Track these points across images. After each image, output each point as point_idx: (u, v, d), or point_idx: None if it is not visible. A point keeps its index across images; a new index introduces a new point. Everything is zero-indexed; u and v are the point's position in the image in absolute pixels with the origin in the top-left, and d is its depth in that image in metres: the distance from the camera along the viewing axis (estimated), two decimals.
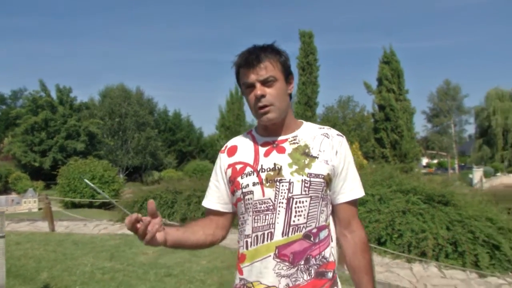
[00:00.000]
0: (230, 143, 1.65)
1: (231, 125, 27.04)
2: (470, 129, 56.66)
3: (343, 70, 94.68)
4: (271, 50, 1.48)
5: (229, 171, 1.56)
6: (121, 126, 40.95)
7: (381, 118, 21.25)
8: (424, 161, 57.05)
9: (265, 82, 1.46)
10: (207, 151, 45.75)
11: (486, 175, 32.97)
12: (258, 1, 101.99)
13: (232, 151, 1.61)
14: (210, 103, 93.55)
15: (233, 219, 1.64)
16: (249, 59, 1.46)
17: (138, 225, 1.29)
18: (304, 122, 1.62)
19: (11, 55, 72.88)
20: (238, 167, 1.54)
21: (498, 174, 37.77)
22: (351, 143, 22.38)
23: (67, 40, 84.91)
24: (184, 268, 5.86)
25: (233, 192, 1.56)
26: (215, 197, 1.63)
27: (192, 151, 45.92)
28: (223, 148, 1.66)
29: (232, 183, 1.55)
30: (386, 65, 21.32)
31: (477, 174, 29.35)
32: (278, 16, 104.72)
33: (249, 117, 30.10)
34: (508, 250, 6.44)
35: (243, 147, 1.59)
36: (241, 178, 1.51)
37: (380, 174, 9.23)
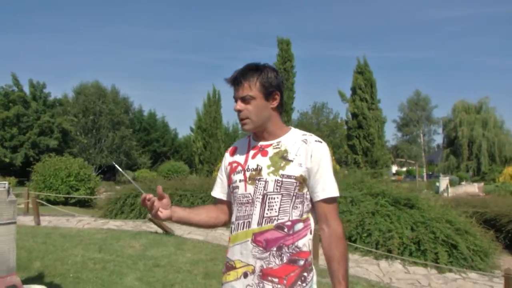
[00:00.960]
0: (233, 145, 2.03)
1: (207, 127, 27.21)
2: (439, 139, 58.66)
3: (318, 77, 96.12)
4: (252, 72, 1.81)
5: (229, 168, 1.94)
6: (95, 124, 40.34)
7: (354, 125, 22.12)
8: (394, 168, 58.41)
9: (244, 100, 1.80)
10: (182, 152, 45.71)
11: (452, 183, 34.30)
12: (237, 5, 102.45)
13: (233, 151, 1.98)
14: (185, 104, 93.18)
15: None
16: (231, 80, 1.84)
17: (148, 203, 1.75)
18: (292, 129, 1.91)
19: None
20: (234, 165, 1.91)
21: (463, 183, 39.25)
22: None
23: (41, 35, 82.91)
24: (170, 259, 6.26)
25: (228, 186, 1.95)
26: (220, 187, 2.02)
27: (166, 151, 45.76)
28: (228, 149, 2.05)
29: (228, 178, 1.94)
30: (360, 75, 22.18)
31: (443, 182, 30.48)
32: (257, 21, 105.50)
33: (225, 120, 30.49)
34: (464, 249, 7.13)
35: (240, 149, 1.95)
36: (233, 175, 1.89)
37: (352, 178, 9.90)
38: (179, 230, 8.73)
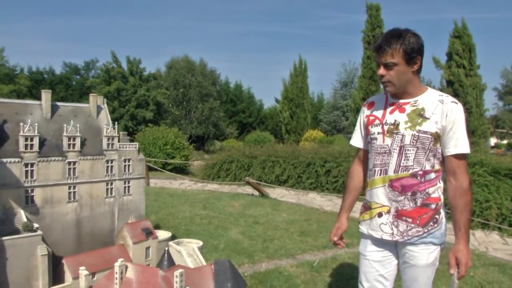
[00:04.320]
0: (370, 99, 2.30)
1: (294, 97, 27.37)
2: None
3: None
4: (396, 39, 1.97)
5: (366, 119, 2.24)
6: (186, 97, 42.37)
7: (450, 93, 20.32)
8: (493, 141, 53.79)
9: (386, 66, 2.01)
10: (267, 123, 46.53)
11: None
12: None
13: (371, 105, 2.26)
14: (269, 75, 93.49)
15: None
16: (376, 47, 2.03)
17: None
18: (429, 89, 2.12)
19: (83, 28, 77.06)
20: (371, 118, 2.19)
21: None
22: None
23: (134, 14, 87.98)
24: (268, 218, 6.78)
25: (366, 136, 2.25)
26: (358, 137, 2.35)
27: (252, 122, 46.86)
28: (365, 103, 2.32)
29: (366, 129, 2.23)
30: (457, 40, 20.57)
31: None
32: None
33: (311, 90, 30.28)
34: None
35: (377, 104, 2.22)
36: (371, 127, 2.17)
37: None
38: (273, 193, 9.26)
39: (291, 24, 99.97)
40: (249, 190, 9.54)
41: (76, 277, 3.25)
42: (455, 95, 20.49)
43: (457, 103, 2.03)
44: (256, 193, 8.98)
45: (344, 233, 2.42)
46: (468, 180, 2.04)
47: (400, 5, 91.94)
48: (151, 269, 2.60)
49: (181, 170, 17.83)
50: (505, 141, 55.32)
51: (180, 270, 2.46)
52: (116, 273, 2.51)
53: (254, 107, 48.51)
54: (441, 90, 23.81)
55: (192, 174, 15.67)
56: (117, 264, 2.52)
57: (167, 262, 2.90)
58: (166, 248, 3.02)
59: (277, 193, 9.46)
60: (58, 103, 4.12)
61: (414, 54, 1.99)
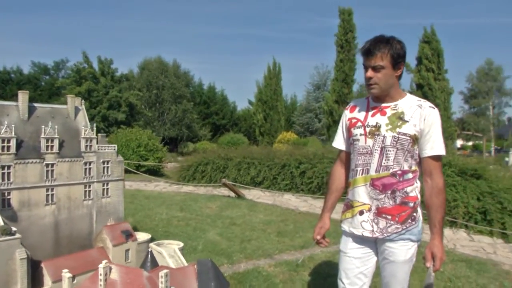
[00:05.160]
0: (352, 103, 2.41)
1: (268, 100, 27.59)
2: (510, 112, 54.55)
3: None
4: (384, 44, 2.09)
5: (348, 122, 2.34)
6: (159, 98, 41.94)
7: (419, 96, 21.08)
8: (459, 143, 55.50)
9: (374, 68, 2.12)
10: (240, 125, 46.60)
11: None
12: None
13: (353, 109, 2.37)
14: (243, 77, 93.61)
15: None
16: (365, 51, 2.14)
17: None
18: (408, 95, 2.26)
19: (52, 27, 75.02)
20: (353, 121, 2.30)
21: None
22: None
23: (106, 12, 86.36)
24: (245, 219, 6.85)
25: (348, 138, 2.36)
26: (340, 139, 2.45)
27: (225, 124, 46.82)
28: (347, 106, 2.43)
29: (348, 131, 2.34)
30: (426, 45, 21.25)
31: None
32: None
33: (285, 92, 30.55)
34: None
35: (359, 107, 2.33)
36: (354, 129, 2.28)
37: None
38: (249, 195, 9.33)
39: (265, 26, 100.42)
40: (225, 191, 9.58)
41: (55, 281, 3.23)
42: (425, 98, 21.05)
43: (434, 108, 2.17)
44: (232, 194, 9.03)
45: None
46: (443, 180, 2.17)
47: (371, 10, 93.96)
48: (135, 270, 2.63)
49: (155, 172, 17.65)
50: (470, 143, 57.28)
51: (165, 271, 2.50)
52: (100, 274, 2.53)
53: (227, 109, 48.49)
54: (411, 93, 24.38)
55: (166, 176, 15.57)
56: (101, 265, 2.54)
57: (150, 263, 2.93)
58: (150, 249, 3.04)
59: (253, 194, 9.54)
60: (36, 104, 4.07)
61: (399, 60, 2.13)
